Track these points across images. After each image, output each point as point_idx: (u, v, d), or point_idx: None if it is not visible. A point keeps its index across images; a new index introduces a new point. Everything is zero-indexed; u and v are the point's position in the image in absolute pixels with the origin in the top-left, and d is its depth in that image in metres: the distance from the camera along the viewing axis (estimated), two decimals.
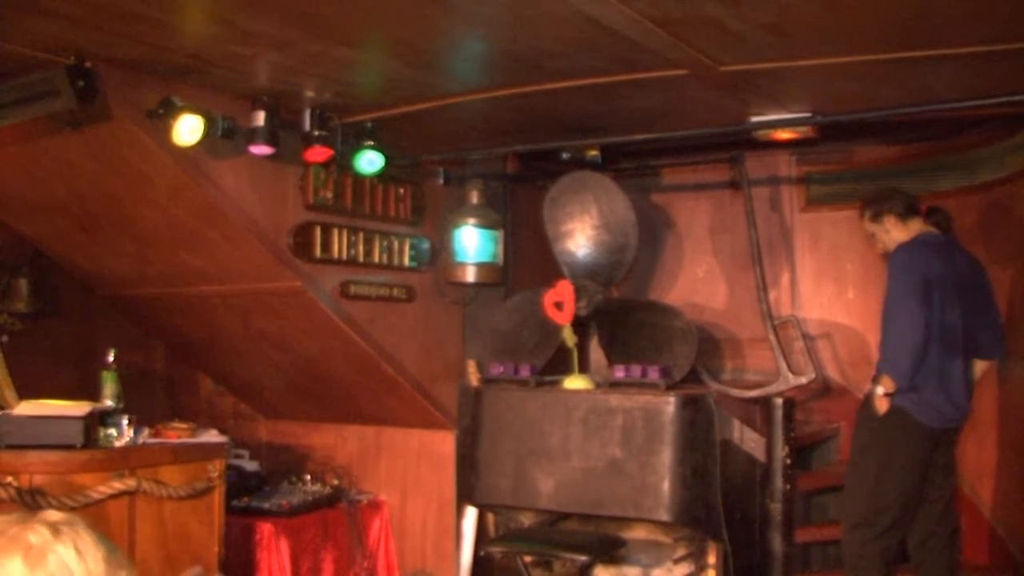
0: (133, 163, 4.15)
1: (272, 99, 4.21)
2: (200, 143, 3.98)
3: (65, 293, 5.41)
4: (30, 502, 3.39)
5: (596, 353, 5.09)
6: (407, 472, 5.54)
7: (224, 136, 4.11)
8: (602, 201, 5.03)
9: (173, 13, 3.27)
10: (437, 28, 3.41)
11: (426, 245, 5.34)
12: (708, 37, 3.44)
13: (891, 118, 4.69)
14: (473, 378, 5.18)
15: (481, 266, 5.23)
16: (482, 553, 4.89)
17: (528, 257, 5.72)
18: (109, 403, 4.06)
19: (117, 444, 3.81)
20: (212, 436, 4.26)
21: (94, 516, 3.57)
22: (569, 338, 4.82)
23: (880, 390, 4.20)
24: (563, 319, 4.81)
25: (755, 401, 4.85)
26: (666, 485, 4.27)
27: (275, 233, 4.56)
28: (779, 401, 4.52)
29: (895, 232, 4.40)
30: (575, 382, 4.72)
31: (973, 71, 3.78)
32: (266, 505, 4.98)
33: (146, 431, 4.03)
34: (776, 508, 4.46)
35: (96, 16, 3.24)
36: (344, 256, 4.87)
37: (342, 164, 4.68)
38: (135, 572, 1.64)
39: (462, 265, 5.23)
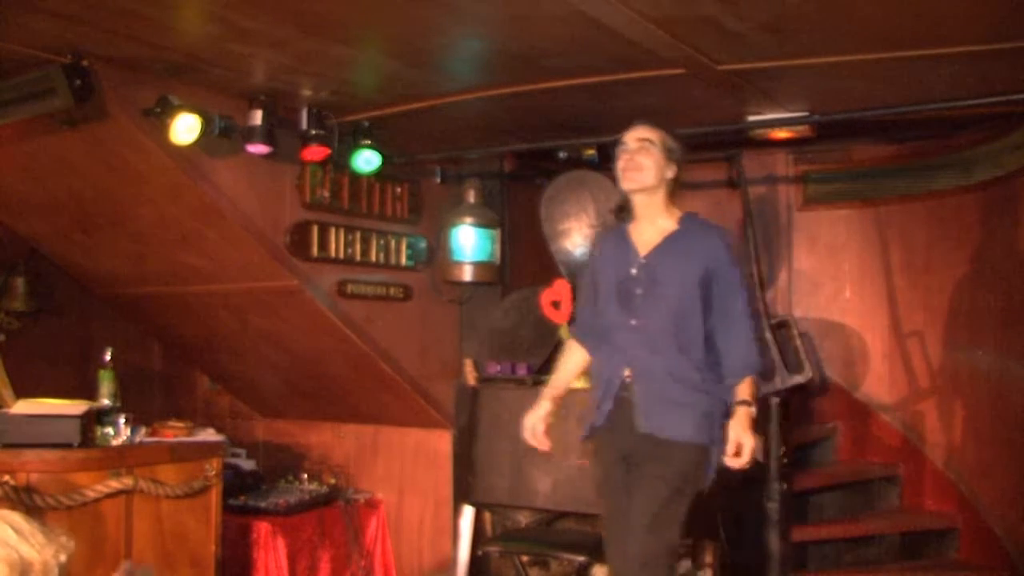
0: (130, 162, 4.15)
1: (269, 98, 4.21)
2: (197, 142, 3.98)
3: (62, 292, 5.41)
4: (27, 501, 3.39)
5: None
6: (404, 471, 5.54)
7: (221, 135, 4.11)
8: (599, 200, 5.03)
9: (169, 11, 3.27)
10: (434, 26, 3.41)
11: (423, 244, 5.34)
12: (706, 36, 3.45)
13: (888, 117, 4.69)
14: (470, 377, 5.18)
15: (478, 265, 5.22)
16: (480, 552, 4.89)
17: (525, 256, 5.71)
18: (106, 402, 4.06)
19: (114, 443, 3.81)
20: (209, 435, 4.25)
21: (91, 515, 3.58)
22: (566, 336, 4.82)
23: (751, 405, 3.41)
24: (560, 318, 4.81)
25: None
26: None
27: (272, 232, 4.55)
28: (776, 400, 4.52)
29: (667, 192, 3.48)
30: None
31: (970, 70, 3.79)
32: (263, 504, 4.98)
33: (143, 430, 4.03)
34: (773, 507, 4.46)
35: (92, 14, 3.24)
36: (341, 255, 4.87)
37: (339, 163, 4.68)
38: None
39: (459, 264, 5.23)
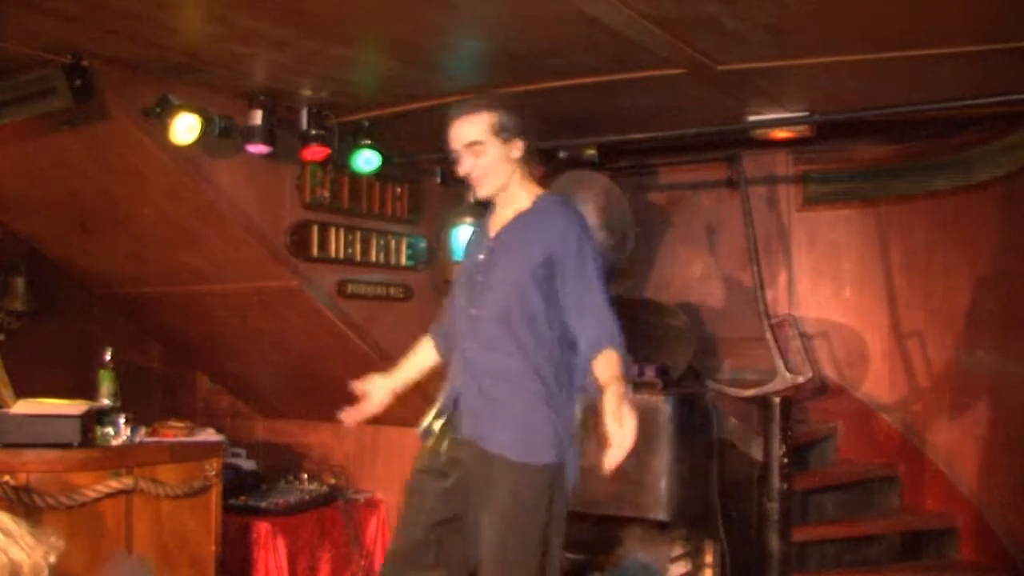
0: (130, 162, 4.15)
1: (269, 98, 4.20)
2: (197, 142, 3.98)
3: (62, 292, 5.40)
4: (27, 501, 3.39)
5: None
6: (404, 471, 5.45)
7: (221, 135, 4.11)
8: (600, 200, 5.03)
9: (170, 11, 3.27)
10: (434, 26, 3.41)
11: (423, 244, 5.34)
12: (706, 36, 3.45)
13: (888, 117, 4.69)
14: None
15: None
16: None
17: None
18: (106, 402, 4.06)
19: (114, 443, 3.81)
20: (209, 435, 4.25)
21: (91, 515, 3.58)
22: None
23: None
24: None
25: (752, 400, 4.86)
26: (663, 484, 4.27)
27: (272, 232, 4.55)
28: (776, 400, 4.52)
29: (521, 171, 3.07)
30: None
31: (970, 70, 3.79)
32: (263, 504, 4.98)
33: (143, 430, 4.03)
34: (773, 507, 4.46)
35: (93, 14, 3.24)
36: (341, 255, 4.87)
37: (339, 163, 4.68)
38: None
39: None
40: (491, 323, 2.96)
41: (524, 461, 2.89)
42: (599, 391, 2.82)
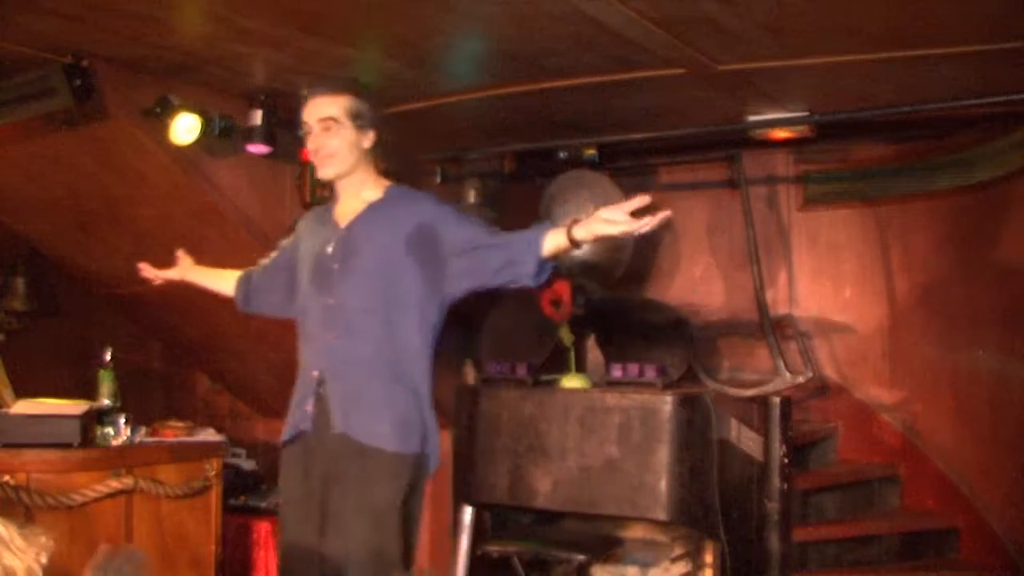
0: (130, 162, 4.15)
1: (269, 98, 4.21)
2: (197, 142, 3.98)
3: (62, 292, 5.41)
4: (27, 501, 3.39)
5: (593, 352, 5.08)
6: None
7: (221, 135, 4.11)
8: (599, 200, 5.02)
9: (170, 11, 3.28)
10: (434, 26, 3.41)
11: None
12: (705, 36, 3.45)
13: (888, 117, 4.69)
14: (470, 377, 5.18)
15: None
16: (480, 552, 4.89)
17: None
18: (106, 402, 4.06)
19: (114, 443, 3.81)
20: (209, 435, 4.26)
21: (91, 515, 3.58)
22: (566, 337, 4.82)
23: None
24: (560, 317, 4.81)
25: (752, 400, 4.85)
26: (663, 484, 4.27)
27: (272, 232, 4.54)
28: (776, 400, 4.52)
29: (370, 162, 3.07)
30: (572, 381, 4.73)
31: (970, 70, 3.79)
32: (263, 504, 4.98)
33: (143, 430, 4.03)
34: (773, 507, 4.46)
35: (93, 14, 3.24)
36: None
37: None
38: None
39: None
40: (353, 311, 2.94)
41: (399, 451, 2.89)
42: (568, 239, 2.78)
